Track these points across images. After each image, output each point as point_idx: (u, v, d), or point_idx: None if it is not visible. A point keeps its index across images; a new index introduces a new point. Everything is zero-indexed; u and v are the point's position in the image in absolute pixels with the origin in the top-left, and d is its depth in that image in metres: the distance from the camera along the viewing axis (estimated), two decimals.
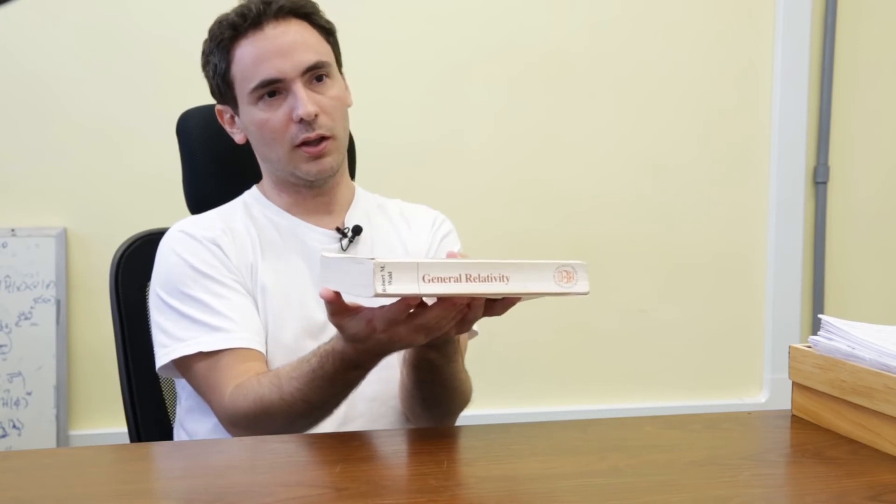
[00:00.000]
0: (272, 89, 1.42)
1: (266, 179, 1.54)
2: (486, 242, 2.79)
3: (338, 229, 1.50)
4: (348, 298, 1.12)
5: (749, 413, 1.31)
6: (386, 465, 1.12)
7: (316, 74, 1.44)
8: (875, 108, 3.13)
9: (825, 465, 1.11)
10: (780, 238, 3.07)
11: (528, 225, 2.91)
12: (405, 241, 1.55)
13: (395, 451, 1.18)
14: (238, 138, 1.52)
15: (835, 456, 1.12)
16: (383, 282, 0.99)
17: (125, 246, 1.58)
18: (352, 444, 1.19)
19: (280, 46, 1.42)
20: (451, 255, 1.22)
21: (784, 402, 1.29)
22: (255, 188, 1.55)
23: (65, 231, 2.64)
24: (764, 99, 3.05)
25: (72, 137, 2.65)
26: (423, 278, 1.01)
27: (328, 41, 1.48)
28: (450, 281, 1.02)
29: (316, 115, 1.42)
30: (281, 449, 1.17)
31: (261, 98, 1.43)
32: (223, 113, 1.52)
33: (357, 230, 1.50)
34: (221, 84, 1.47)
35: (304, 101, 1.41)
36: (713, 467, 1.09)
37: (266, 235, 1.48)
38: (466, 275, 1.02)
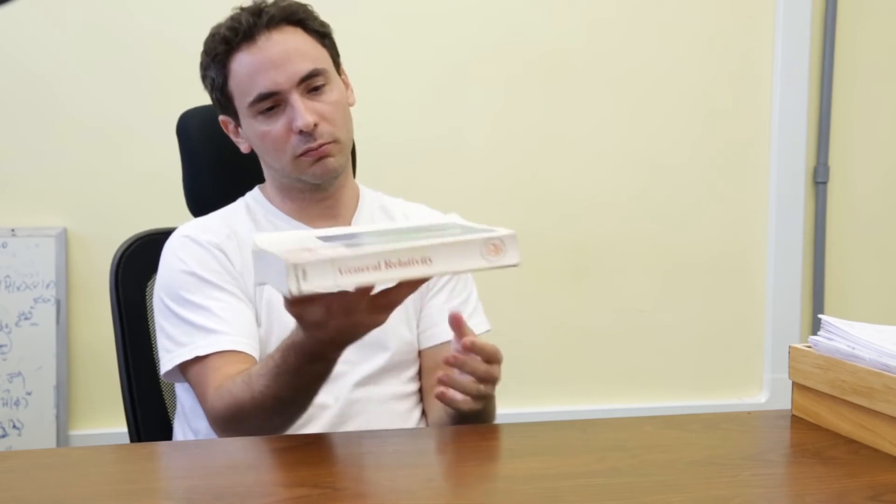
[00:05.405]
0: (270, 103, 1.41)
1: (270, 185, 1.53)
2: None
3: None
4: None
5: (749, 413, 1.31)
6: (386, 465, 1.12)
7: (313, 84, 1.42)
8: (875, 108, 3.12)
9: (825, 465, 1.11)
10: (780, 238, 3.06)
11: (526, 224, 2.90)
12: None
13: (395, 451, 1.18)
14: (243, 147, 1.51)
15: (835, 456, 1.12)
16: (297, 280, 0.98)
17: (125, 246, 1.58)
18: (351, 444, 1.19)
19: (273, 58, 1.40)
20: None
21: (784, 402, 1.29)
22: (257, 190, 1.54)
23: (65, 231, 2.64)
24: (764, 99, 3.05)
25: (72, 137, 2.64)
26: (340, 271, 0.99)
27: (323, 45, 1.46)
28: (368, 270, 1.00)
29: (315, 125, 1.40)
30: (281, 449, 1.17)
31: (260, 111, 1.42)
32: (227, 123, 1.51)
33: None
34: (221, 97, 1.47)
35: (302, 112, 1.39)
36: (713, 467, 1.09)
37: None
38: (385, 262, 1.00)
